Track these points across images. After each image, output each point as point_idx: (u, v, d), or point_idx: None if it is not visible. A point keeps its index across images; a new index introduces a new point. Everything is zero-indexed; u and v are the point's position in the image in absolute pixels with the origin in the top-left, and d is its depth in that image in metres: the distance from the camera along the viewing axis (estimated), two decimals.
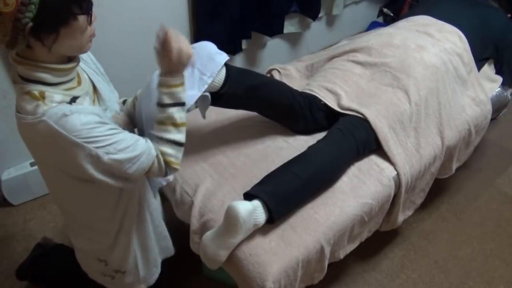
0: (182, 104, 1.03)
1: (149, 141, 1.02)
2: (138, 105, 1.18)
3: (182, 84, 1.02)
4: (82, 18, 0.85)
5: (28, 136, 0.90)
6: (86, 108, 0.91)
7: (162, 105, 1.01)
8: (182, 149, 1.06)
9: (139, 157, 0.97)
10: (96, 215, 1.11)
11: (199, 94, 1.24)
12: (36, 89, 0.86)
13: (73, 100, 0.91)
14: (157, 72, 1.08)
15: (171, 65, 0.98)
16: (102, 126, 0.90)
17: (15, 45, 0.83)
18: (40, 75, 0.87)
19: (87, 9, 0.86)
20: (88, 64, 1.07)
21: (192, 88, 1.23)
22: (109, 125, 0.92)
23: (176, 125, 1.03)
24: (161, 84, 1.01)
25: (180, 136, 1.05)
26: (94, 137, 0.87)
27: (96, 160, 0.90)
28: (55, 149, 0.87)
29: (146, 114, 1.13)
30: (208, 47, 1.29)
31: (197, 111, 1.48)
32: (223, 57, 1.29)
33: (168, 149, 1.03)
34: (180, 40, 0.96)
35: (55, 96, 0.87)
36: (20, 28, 0.78)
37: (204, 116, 1.40)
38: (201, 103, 1.37)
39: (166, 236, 1.34)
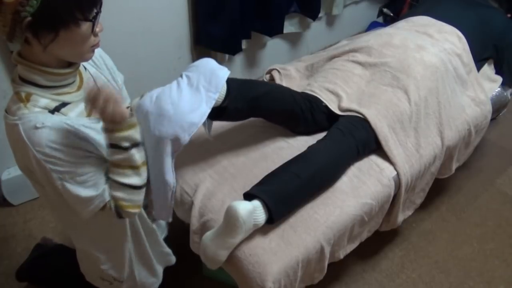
0: (140, 142, 0.97)
1: (106, 185, 0.96)
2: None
3: (130, 126, 0.94)
4: (85, 26, 0.83)
5: (7, 134, 0.90)
6: (65, 122, 0.87)
7: (118, 147, 0.93)
8: (138, 192, 0.99)
9: (92, 199, 0.93)
10: (77, 221, 1.09)
11: (209, 110, 1.22)
12: (25, 90, 0.86)
13: (60, 106, 0.90)
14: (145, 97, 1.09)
15: (112, 120, 0.91)
16: (69, 150, 0.87)
17: (14, 37, 0.82)
18: (33, 76, 0.87)
19: (92, 18, 0.84)
20: (100, 69, 1.06)
21: (200, 105, 1.21)
22: (78, 150, 0.89)
23: (134, 167, 0.97)
24: (107, 130, 0.92)
25: (137, 180, 0.98)
26: (54, 158, 0.85)
27: (49, 181, 0.88)
28: (22, 154, 0.87)
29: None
30: (209, 63, 1.29)
31: None
32: (225, 71, 1.28)
33: (120, 193, 0.97)
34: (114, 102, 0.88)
35: (41, 100, 0.87)
36: (19, 20, 0.78)
37: (210, 137, 1.39)
38: (206, 122, 1.37)
39: (163, 251, 1.33)
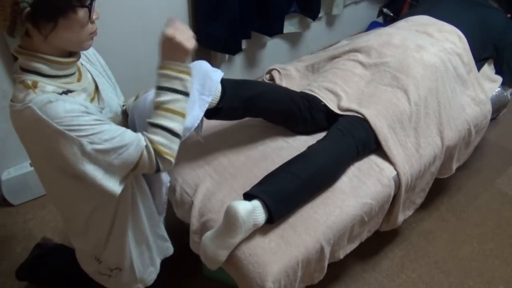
0: (188, 94, 1.00)
1: (139, 133, 0.97)
2: (130, 117, 1.17)
3: (189, 73, 0.99)
4: (82, 12, 0.86)
5: (17, 124, 0.90)
6: (74, 99, 0.90)
7: (168, 89, 0.97)
8: (178, 141, 1.00)
9: (126, 147, 0.92)
10: (84, 211, 1.09)
11: (202, 113, 1.23)
12: (30, 78, 0.87)
13: (66, 92, 0.91)
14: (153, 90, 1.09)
15: (168, 53, 0.97)
16: (87, 115, 0.88)
17: (15, 31, 0.84)
18: (37, 65, 0.88)
19: (88, 4, 0.86)
20: (94, 66, 1.08)
21: (193, 109, 1.22)
22: (95, 115, 0.90)
23: (178, 113, 0.98)
24: (168, 67, 0.97)
25: (178, 126, 0.99)
26: (77, 125, 0.86)
27: (79, 150, 0.87)
28: (39, 137, 0.87)
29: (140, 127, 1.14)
30: (203, 66, 1.29)
31: None
32: (219, 74, 1.29)
33: (160, 138, 0.96)
34: (178, 31, 0.95)
35: (48, 86, 0.88)
36: (18, 12, 0.80)
37: (201, 139, 1.38)
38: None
39: (163, 236, 1.33)
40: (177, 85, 0.97)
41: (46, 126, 0.84)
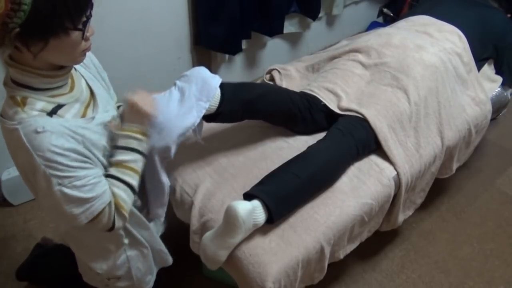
0: (144, 155, 1.06)
1: (107, 183, 0.97)
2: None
3: (146, 135, 1.06)
4: (75, 34, 0.83)
5: (6, 138, 0.90)
6: (63, 125, 0.87)
7: (131, 150, 1.02)
8: (132, 197, 1.03)
9: (92, 200, 0.92)
10: (74, 234, 1.09)
11: (198, 119, 1.24)
12: (20, 94, 0.86)
13: (57, 109, 0.89)
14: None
15: (129, 116, 1.04)
16: (69, 154, 0.86)
17: (3, 46, 0.82)
18: (27, 79, 0.86)
19: (82, 26, 0.84)
20: (88, 69, 1.06)
21: (190, 113, 1.23)
22: (79, 155, 0.89)
23: (137, 172, 1.03)
24: (126, 129, 1.03)
25: (136, 184, 1.03)
26: (54, 163, 0.85)
27: (46, 185, 0.87)
28: (22, 156, 0.86)
29: None
30: (201, 72, 1.30)
31: None
32: (217, 80, 1.30)
33: (122, 193, 0.99)
34: (139, 97, 1.05)
35: (37, 103, 0.86)
36: (7, 31, 0.78)
37: (201, 141, 1.38)
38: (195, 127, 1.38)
39: (161, 249, 1.32)
40: (135, 145, 1.03)
41: (27, 153, 0.83)
